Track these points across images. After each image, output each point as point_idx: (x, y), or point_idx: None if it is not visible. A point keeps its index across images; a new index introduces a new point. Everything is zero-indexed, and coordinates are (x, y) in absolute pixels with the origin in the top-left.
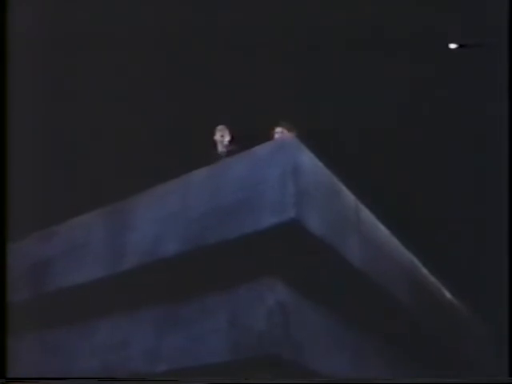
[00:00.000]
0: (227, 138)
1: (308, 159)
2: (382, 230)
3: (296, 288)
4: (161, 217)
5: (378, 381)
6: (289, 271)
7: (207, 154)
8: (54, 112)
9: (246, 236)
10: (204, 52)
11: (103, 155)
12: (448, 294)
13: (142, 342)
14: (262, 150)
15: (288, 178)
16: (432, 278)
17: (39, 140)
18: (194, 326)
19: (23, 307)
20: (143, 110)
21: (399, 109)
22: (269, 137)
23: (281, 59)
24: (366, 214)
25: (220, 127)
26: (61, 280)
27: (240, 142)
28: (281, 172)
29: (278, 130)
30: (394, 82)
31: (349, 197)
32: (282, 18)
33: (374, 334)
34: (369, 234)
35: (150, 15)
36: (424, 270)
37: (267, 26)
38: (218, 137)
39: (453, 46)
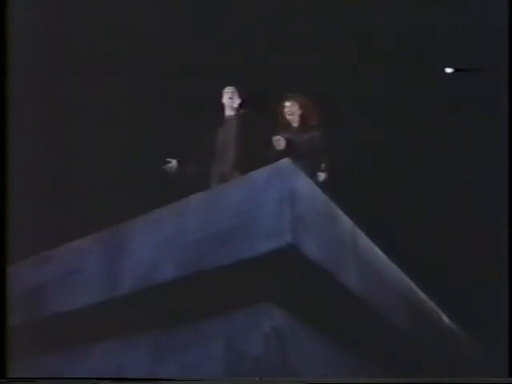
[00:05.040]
0: (237, 101)
1: (305, 184)
2: (380, 255)
3: (293, 313)
4: (157, 242)
5: (378, 381)
6: (286, 297)
7: (213, 119)
8: (56, 121)
9: (242, 261)
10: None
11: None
12: (446, 319)
13: (138, 367)
14: (258, 174)
15: (285, 203)
16: (431, 304)
17: (39, 158)
18: (190, 352)
19: (16, 332)
20: (146, 112)
21: (399, 131)
22: (280, 110)
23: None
24: (364, 240)
25: (229, 89)
26: (55, 305)
27: (251, 106)
28: (278, 197)
29: (289, 103)
30: (393, 102)
31: (346, 222)
32: None
33: (373, 359)
34: (366, 259)
35: None
36: (422, 296)
37: None
38: (226, 99)
39: (449, 70)
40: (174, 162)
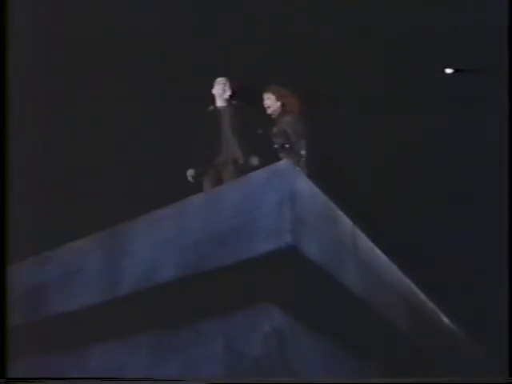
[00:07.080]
0: (228, 93)
1: (305, 185)
2: (380, 256)
3: (293, 314)
4: (157, 242)
5: (378, 381)
6: (285, 297)
7: (204, 110)
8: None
9: (242, 262)
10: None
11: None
12: (446, 320)
13: (138, 367)
14: (258, 175)
15: (285, 203)
16: (430, 304)
17: (39, 158)
18: (190, 352)
19: (16, 332)
20: (148, 112)
21: (398, 134)
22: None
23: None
24: (364, 240)
25: (220, 79)
26: (55, 305)
27: (242, 98)
28: (277, 198)
29: (267, 95)
30: (393, 102)
31: (346, 222)
32: None
33: (373, 359)
34: (366, 259)
35: None
36: (422, 296)
37: None
38: (217, 90)
39: (449, 70)
40: (191, 171)
